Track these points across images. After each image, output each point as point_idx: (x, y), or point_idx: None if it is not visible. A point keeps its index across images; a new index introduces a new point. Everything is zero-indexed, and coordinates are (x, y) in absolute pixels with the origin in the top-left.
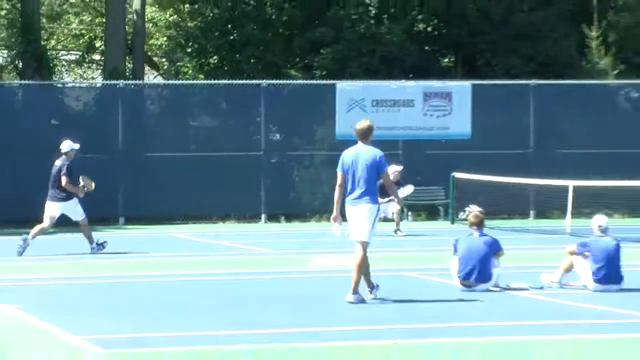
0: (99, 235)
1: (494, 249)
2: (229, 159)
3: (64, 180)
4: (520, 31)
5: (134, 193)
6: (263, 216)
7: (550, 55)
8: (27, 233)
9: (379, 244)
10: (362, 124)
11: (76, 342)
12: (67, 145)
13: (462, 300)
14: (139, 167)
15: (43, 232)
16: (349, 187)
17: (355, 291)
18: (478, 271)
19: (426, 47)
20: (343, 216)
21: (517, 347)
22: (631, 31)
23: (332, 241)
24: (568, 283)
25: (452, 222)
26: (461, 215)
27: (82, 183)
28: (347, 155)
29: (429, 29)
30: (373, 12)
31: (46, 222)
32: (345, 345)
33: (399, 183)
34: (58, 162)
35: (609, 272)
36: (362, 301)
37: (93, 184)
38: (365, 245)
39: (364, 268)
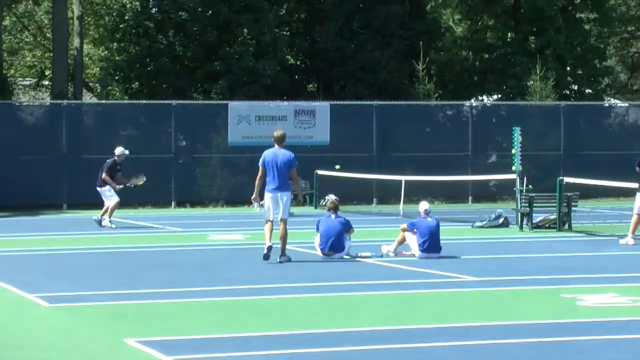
0: (48, 217)
1: (347, 227)
2: (147, 159)
3: (102, 174)
4: (366, 64)
5: (75, 185)
6: (173, 203)
7: (388, 82)
8: None
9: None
10: (279, 132)
11: (28, 298)
12: (119, 150)
13: (324, 266)
14: (79, 166)
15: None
16: (268, 179)
17: (283, 253)
18: (335, 244)
19: (296, 77)
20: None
21: (363, 300)
22: (446, 66)
23: (226, 222)
24: (401, 252)
25: (316, 207)
26: (322, 202)
27: (130, 179)
28: (268, 155)
29: (298, 62)
30: (252, 50)
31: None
32: (238, 300)
33: None
34: (108, 161)
35: (431, 244)
36: (289, 260)
37: (140, 181)
38: (285, 222)
39: (286, 237)
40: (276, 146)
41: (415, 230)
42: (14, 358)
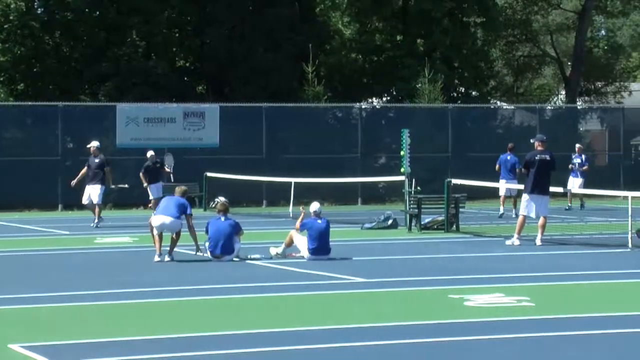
0: None
1: (236, 229)
2: (33, 162)
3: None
4: (257, 67)
5: None
6: (60, 206)
7: (278, 85)
8: None
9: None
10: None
11: None
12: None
13: (213, 268)
14: None
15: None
16: None
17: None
18: (224, 246)
19: (185, 78)
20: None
21: (251, 302)
22: (336, 68)
23: (113, 225)
24: (290, 254)
25: (205, 210)
26: (212, 204)
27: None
28: None
29: (187, 64)
30: (141, 51)
31: None
32: (125, 303)
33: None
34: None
35: (321, 246)
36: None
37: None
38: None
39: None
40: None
41: (305, 231)
42: None
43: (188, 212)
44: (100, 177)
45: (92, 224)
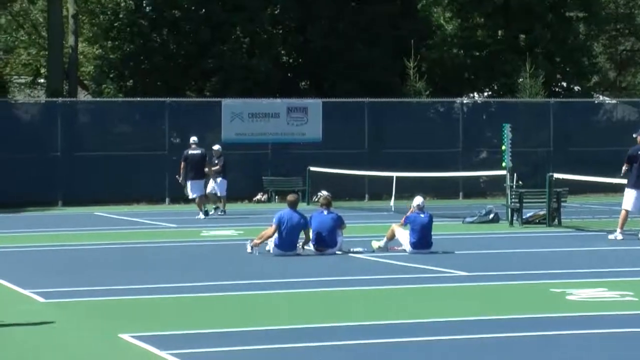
0: (42, 214)
1: (339, 223)
2: (141, 156)
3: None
4: (357, 62)
5: (69, 183)
6: (167, 199)
7: (379, 80)
8: None
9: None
10: None
11: (23, 294)
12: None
13: (316, 261)
14: (73, 163)
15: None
16: None
17: None
18: (327, 240)
19: (288, 74)
20: None
21: (355, 295)
22: (437, 63)
23: (219, 218)
24: (392, 247)
25: (308, 204)
26: (314, 198)
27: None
28: None
29: (290, 60)
30: (245, 48)
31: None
32: (231, 295)
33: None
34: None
35: (423, 240)
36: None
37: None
38: None
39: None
40: None
41: (408, 225)
42: (10, 353)
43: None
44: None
45: (201, 216)
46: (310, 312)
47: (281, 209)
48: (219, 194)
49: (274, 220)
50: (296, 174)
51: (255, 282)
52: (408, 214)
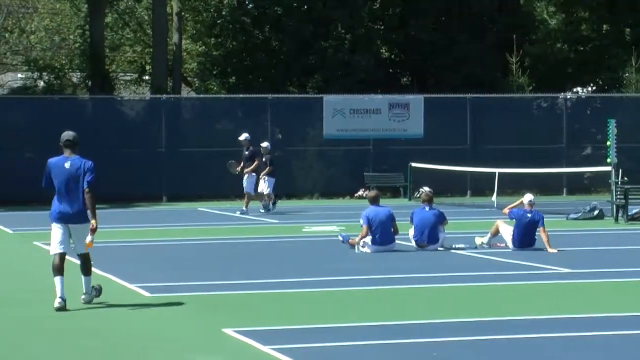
0: (147, 209)
1: (441, 219)
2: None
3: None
4: (460, 57)
5: (173, 178)
6: None
7: (481, 75)
8: None
9: (353, 217)
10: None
11: (130, 288)
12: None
13: (418, 257)
14: (177, 159)
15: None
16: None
17: None
18: (429, 236)
19: (390, 70)
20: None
21: (457, 291)
22: (540, 58)
23: (320, 214)
24: (495, 244)
25: (410, 200)
26: (416, 194)
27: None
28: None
29: (392, 56)
30: (347, 44)
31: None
32: (333, 291)
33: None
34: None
35: (526, 237)
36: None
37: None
38: None
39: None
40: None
41: (513, 220)
42: (114, 346)
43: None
44: (254, 168)
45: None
46: (411, 309)
47: (366, 209)
48: (264, 192)
49: (361, 221)
50: (397, 170)
51: (356, 278)
52: (512, 206)
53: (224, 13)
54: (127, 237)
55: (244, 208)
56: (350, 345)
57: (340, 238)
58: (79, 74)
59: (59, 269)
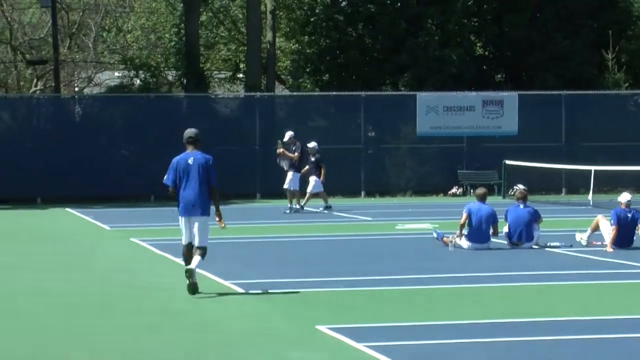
0: (239, 206)
1: (535, 217)
2: (337, 150)
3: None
4: (554, 54)
5: (267, 175)
6: (362, 192)
7: (576, 72)
8: None
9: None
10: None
11: (224, 285)
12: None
13: (513, 255)
14: (271, 156)
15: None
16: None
17: None
18: (524, 234)
19: (483, 67)
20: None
21: (553, 289)
22: (636, 54)
23: (413, 211)
24: (592, 242)
25: (504, 197)
26: (510, 192)
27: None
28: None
29: (486, 53)
30: (438, 40)
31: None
32: (427, 289)
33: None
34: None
35: (625, 237)
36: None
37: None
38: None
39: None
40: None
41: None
42: (210, 342)
43: None
44: (296, 165)
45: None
46: (505, 307)
47: (470, 202)
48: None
49: (464, 210)
50: (491, 168)
51: (449, 275)
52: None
53: (317, 11)
54: (221, 234)
55: (296, 206)
56: (444, 343)
57: (435, 235)
58: (174, 72)
59: (187, 258)
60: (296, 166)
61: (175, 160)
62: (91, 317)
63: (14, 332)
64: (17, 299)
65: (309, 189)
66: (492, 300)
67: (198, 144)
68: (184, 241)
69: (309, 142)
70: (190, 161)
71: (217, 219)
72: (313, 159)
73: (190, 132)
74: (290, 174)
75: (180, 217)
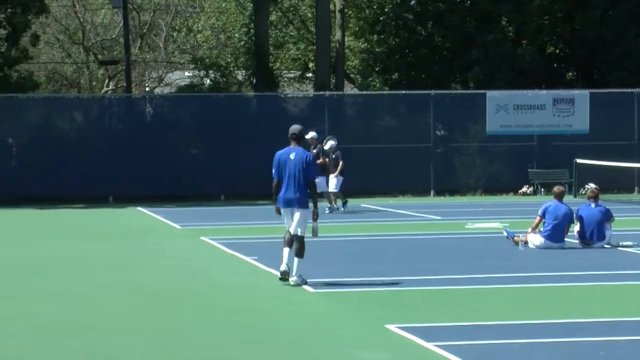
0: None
1: (607, 216)
2: (406, 149)
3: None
4: (627, 51)
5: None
6: (432, 191)
7: None
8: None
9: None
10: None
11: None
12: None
13: (584, 255)
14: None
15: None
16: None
17: None
18: (595, 233)
19: (554, 65)
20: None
21: (626, 289)
22: None
23: (483, 210)
24: None
25: (575, 196)
26: (581, 190)
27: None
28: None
29: (557, 50)
30: (510, 37)
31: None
32: (495, 288)
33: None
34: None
35: None
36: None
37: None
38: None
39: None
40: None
41: None
42: (279, 341)
43: None
44: (324, 167)
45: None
46: (577, 307)
47: (547, 201)
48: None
49: (539, 210)
50: (562, 166)
51: (520, 275)
52: None
53: (386, 10)
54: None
55: (339, 205)
56: (514, 343)
57: (505, 234)
58: (243, 71)
59: (288, 243)
60: (330, 169)
61: (277, 154)
62: (161, 315)
63: (90, 329)
64: (89, 296)
65: (332, 188)
66: (562, 300)
67: (301, 140)
68: (288, 230)
69: (325, 144)
70: (292, 156)
71: (314, 216)
72: (334, 156)
73: (295, 128)
74: (331, 178)
75: (282, 209)
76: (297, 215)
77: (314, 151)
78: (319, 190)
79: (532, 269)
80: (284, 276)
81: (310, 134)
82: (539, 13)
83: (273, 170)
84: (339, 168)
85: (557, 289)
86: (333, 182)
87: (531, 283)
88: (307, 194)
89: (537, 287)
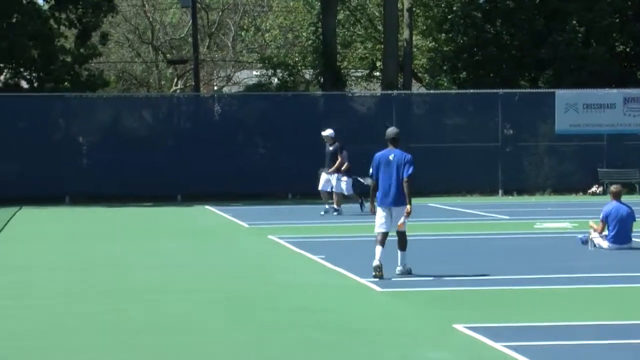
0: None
1: None
2: (473, 148)
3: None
4: None
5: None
6: (500, 191)
7: None
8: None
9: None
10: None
11: (362, 283)
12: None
13: None
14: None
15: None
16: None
17: None
18: None
19: (624, 64)
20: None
21: None
22: None
23: (552, 210)
24: None
25: None
26: None
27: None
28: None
29: (628, 49)
30: (580, 37)
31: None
32: (564, 288)
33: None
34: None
35: None
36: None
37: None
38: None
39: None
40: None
41: None
42: (348, 341)
43: None
44: (338, 167)
45: (322, 212)
46: None
47: (606, 204)
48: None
49: (600, 215)
50: (633, 166)
51: (589, 275)
52: None
53: (454, 8)
54: (358, 232)
55: (335, 206)
56: (583, 344)
57: (580, 238)
58: (311, 70)
59: (381, 242)
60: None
61: (377, 155)
62: (229, 312)
63: (154, 327)
64: (160, 294)
65: (343, 190)
66: (635, 301)
67: (398, 142)
68: (379, 230)
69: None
70: (391, 157)
71: (407, 211)
72: (331, 149)
73: (392, 132)
74: (335, 176)
75: (378, 207)
76: (395, 213)
77: (331, 149)
78: (345, 193)
79: (603, 269)
80: (377, 271)
81: (328, 131)
82: (609, 11)
83: (371, 171)
84: (343, 167)
85: (629, 290)
86: (344, 184)
87: (602, 284)
88: (404, 193)
89: (608, 287)
